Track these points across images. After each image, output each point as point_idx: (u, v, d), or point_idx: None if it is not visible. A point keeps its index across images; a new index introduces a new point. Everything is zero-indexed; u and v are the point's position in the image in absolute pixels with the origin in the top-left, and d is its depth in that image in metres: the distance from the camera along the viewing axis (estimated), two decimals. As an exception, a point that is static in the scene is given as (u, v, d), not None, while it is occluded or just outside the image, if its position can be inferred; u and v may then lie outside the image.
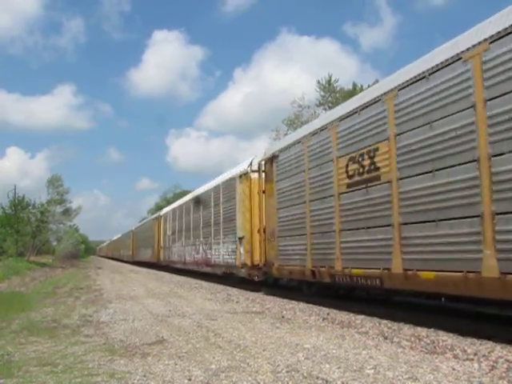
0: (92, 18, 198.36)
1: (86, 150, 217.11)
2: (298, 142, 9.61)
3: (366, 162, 7.31)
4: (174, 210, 23.50)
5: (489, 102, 5.22)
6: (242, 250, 12.56)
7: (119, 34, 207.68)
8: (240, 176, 12.98)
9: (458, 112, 5.61)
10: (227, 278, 14.52)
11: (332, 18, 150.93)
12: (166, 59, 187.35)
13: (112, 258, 64.34)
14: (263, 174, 11.38)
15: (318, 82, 33.93)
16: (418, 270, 6.13)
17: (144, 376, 4.06)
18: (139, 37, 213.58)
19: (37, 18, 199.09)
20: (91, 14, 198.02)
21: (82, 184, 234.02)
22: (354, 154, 7.65)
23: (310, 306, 8.71)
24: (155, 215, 31.17)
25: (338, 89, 33.75)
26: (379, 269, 6.91)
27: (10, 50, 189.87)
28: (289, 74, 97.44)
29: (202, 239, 17.23)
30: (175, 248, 22.41)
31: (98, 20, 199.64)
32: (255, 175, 12.00)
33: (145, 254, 32.77)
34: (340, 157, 8.06)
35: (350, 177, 7.77)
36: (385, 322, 6.72)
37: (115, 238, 67.10)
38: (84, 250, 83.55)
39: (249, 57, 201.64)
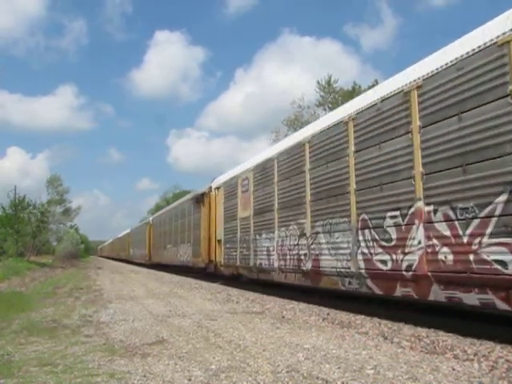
0: (94, 19, 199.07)
1: (86, 151, 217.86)
2: None
3: None
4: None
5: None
6: None
7: (121, 34, 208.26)
8: None
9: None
10: None
11: (333, 19, 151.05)
12: (167, 60, 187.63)
13: (117, 260, 55.58)
14: None
15: (318, 83, 33.98)
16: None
17: (144, 376, 4.06)
18: (141, 37, 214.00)
19: (39, 19, 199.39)
20: (93, 15, 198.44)
21: (83, 184, 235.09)
22: None
23: (310, 306, 8.71)
24: (217, 182, 15.90)
25: (338, 89, 33.78)
26: None
27: (12, 50, 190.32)
28: (290, 74, 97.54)
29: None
30: (328, 240, 8.39)
31: (100, 21, 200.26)
32: None
33: (175, 253, 22.10)
34: None
35: None
36: (385, 322, 6.73)
37: (122, 234, 55.42)
38: (84, 250, 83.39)
39: (250, 57, 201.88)
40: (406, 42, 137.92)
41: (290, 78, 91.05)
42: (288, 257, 9.84)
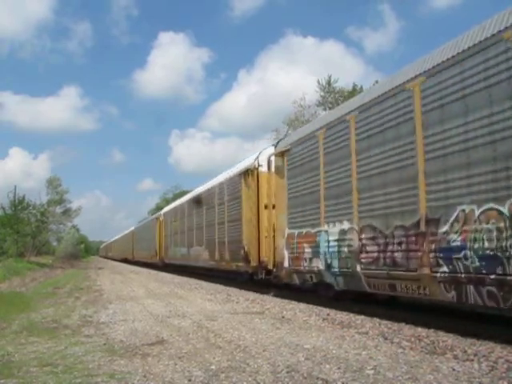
0: (99, 21, 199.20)
1: (89, 152, 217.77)
2: None
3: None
4: None
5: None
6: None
7: (126, 36, 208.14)
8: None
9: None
10: None
11: (336, 22, 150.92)
12: (171, 61, 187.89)
13: (133, 263, 39.56)
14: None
15: (318, 83, 33.99)
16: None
17: (144, 376, 4.06)
18: (145, 39, 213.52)
19: (46, 21, 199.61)
20: (99, 18, 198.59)
21: (84, 185, 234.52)
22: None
23: (311, 306, 8.71)
24: None
25: (338, 89, 33.76)
26: None
27: (18, 53, 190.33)
28: (293, 75, 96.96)
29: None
30: None
31: (106, 24, 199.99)
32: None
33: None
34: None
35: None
36: (385, 322, 6.72)
37: (143, 222, 40.20)
38: (84, 251, 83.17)
39: (253, 58, 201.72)
40: (408, 45, 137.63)
41: (293, 79, 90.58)
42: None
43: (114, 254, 69.19)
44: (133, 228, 44.32)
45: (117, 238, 67.21)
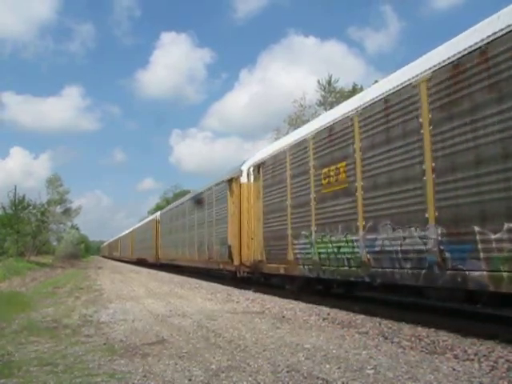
0: (101, 21, 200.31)
1: (90, 152, 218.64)
2: None
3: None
4: None
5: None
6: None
7: (128, 37, 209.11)
8: None
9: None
10: None
11: (337, 22, 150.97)
12: (173, 61, 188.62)
13: (158, 267, 28.57)
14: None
15: (319, 82, 34.01)
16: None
17: (144, 376, 4.06)
18: (148, 40, 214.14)
19: (49, 22, 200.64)
20: (101, 19, 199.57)
21: (85, 185, 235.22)
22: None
23: (311, 306, 8.71)
24: None
25: (338, 89, 33.78)
26: None
27: (21, 53, 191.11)
28: (295, 75, 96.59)
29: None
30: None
31: (107, 23, 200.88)
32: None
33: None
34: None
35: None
36: (385, 321, 6.72)
37: (182, 200, 24.56)
38: (85, 250, 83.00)
39: (254, 58, 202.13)
40: (409, 45, 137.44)
41: (294, 79, 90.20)
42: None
43: (122, 253, 57.93)
44: (157, 214, 30.54)
45: (127, 232, 53.37)
